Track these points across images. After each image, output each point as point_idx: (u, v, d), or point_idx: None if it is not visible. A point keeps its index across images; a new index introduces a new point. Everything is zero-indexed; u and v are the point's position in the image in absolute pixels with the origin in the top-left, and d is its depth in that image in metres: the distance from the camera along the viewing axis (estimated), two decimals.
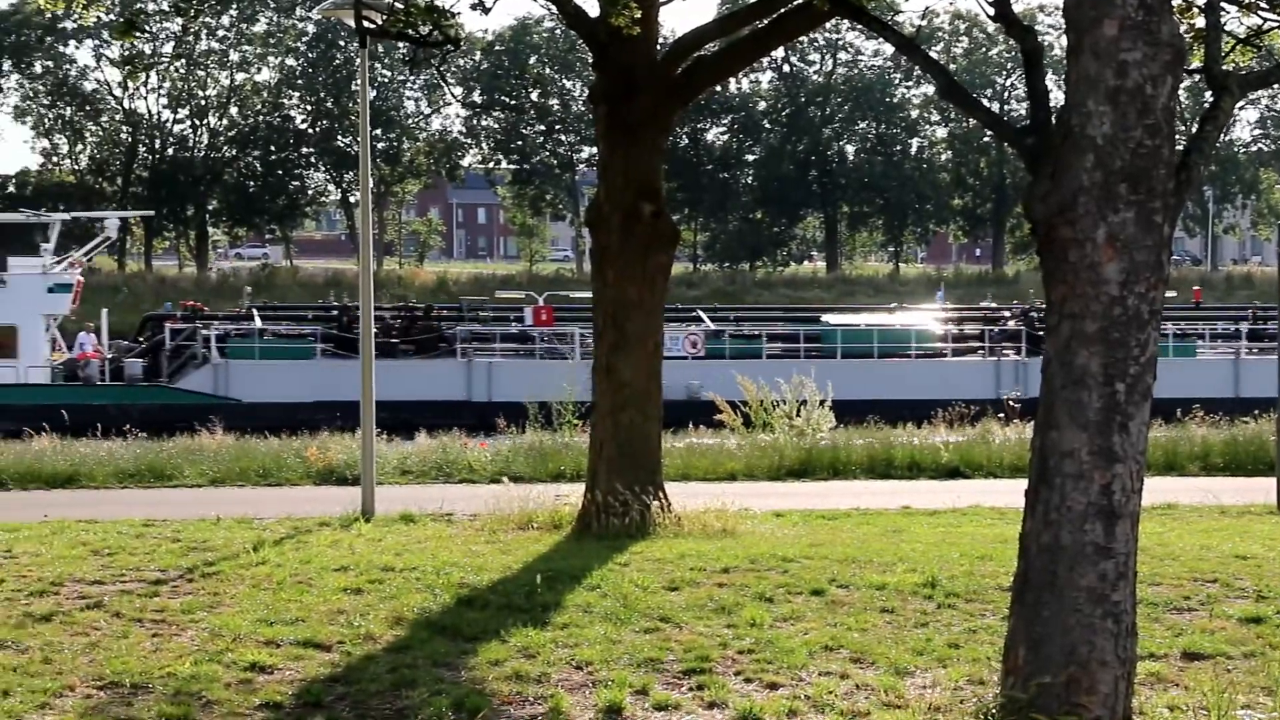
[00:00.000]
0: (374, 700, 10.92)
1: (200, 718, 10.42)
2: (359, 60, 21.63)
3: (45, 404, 41.14)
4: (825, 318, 55.88)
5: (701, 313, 55.28)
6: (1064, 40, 10.09)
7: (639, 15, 18.00)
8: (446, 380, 48.47)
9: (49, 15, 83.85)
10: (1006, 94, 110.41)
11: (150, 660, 11.73)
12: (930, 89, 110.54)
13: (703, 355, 48.91)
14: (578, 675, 11.60)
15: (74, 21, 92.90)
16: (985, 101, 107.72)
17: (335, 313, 52.90)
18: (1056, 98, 10.85)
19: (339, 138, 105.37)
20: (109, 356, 48.96)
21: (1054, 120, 10.23)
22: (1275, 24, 18.91)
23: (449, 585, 14.56)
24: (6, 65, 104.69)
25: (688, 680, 11.51)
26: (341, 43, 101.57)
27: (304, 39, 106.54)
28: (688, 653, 12.16)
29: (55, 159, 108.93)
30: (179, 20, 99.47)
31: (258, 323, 51.01)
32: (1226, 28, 17.19)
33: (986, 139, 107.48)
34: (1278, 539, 18.54)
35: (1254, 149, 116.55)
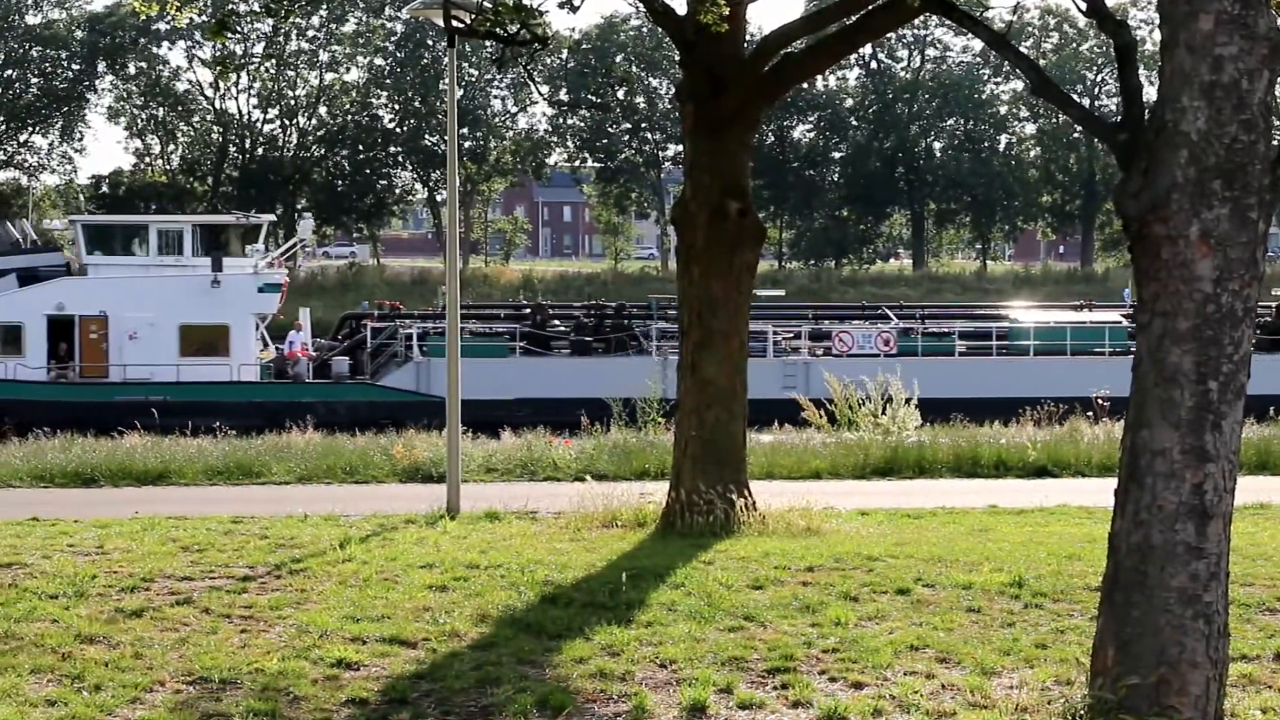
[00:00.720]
0: (458, 697, 10.96)
1: (287, 713, 10.50)
2: (447, 59, 21.70)
3: (257, 401, 41.96)
4: (1012, 315, 55.59)
5: (887, 310, 55.41)
6: (1157, 35, 9.95)
7: (727, 13, 17.94)
8: (640, 377, 49.01)
9: (143, 18, 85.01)
10: (1097, 90, 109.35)
11: (238, 656, 11.84)
12: (1019, 85, 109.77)
13: (895, 353, 48.86)
14: (662, 673, 11.60)
15: (167, 23, 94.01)
16: (1076, 98, 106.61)
17: (528, 311, 53.55)
18: (1149, 94, 10.71)
19: (426, 137, 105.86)
20: (314, 355, 49.88)
21: (1147, 116, 10.10)
22: None
23: (533, 583, 14.58)
24: (101, 67, 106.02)
25: (772, 679, 11.48)
26: (429, 42, 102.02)
27: (392, 38, 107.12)
28: (772, 651, 12.13)
29: (147, 159, 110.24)
30: (270, 21, 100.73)
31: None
32: None
33: (1076, 135, 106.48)
34: None
35: None
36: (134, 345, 47.39)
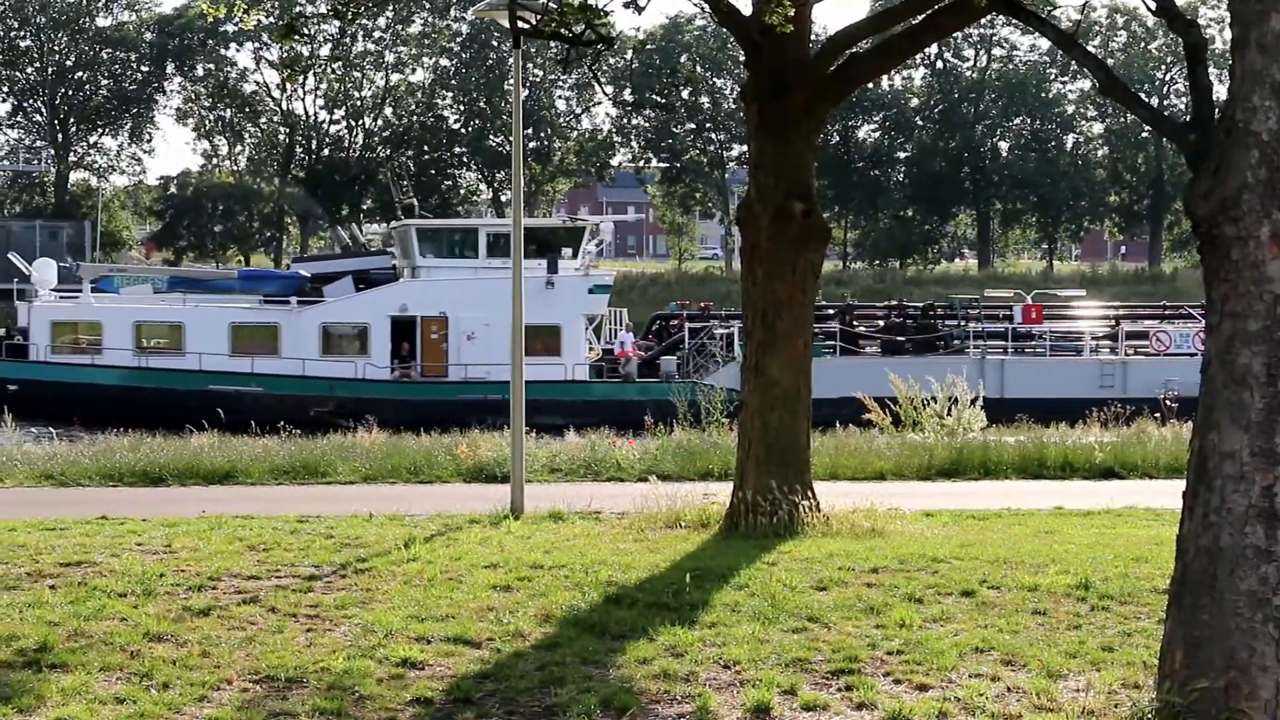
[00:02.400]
0: (523, 697, 10.98)
1: (353, 712, 10.54)
2: (512, 60, 21.74)
3: (592, 400, 42.75)
4: None
5: (1190, 309, 55.71)
6: (1228, 34, 9.86)
7: (792, 13, 17.86)
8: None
9: (211, 19, 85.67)
10: (1166, 89, 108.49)
11: (304, 655, 11.90)
12: (1086, 84, 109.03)
13: None
14: (725, 674, 11.58)
15: (235, 25, 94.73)
16: (1144, 97, 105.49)
17: (832, 312, 54.24)
18: (1220, 93, 10.62)
19: (490, 137, 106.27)
20: (643, 355, 51.25)
21: (1217, 116, 10.01)
22: None
23: (597, 583, 14.59)
24: (169, 69, 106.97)
25: (836, 681, 11.44)
26: (494, 43, 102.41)
27: (458, 39, 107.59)
28: (836, 653, 12.09)
29: (215, 160, 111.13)
30: (337, 23, 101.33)
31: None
32: None
33: (1145, 134, 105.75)
34: None
35: None
36: (471, 345, 49.30)
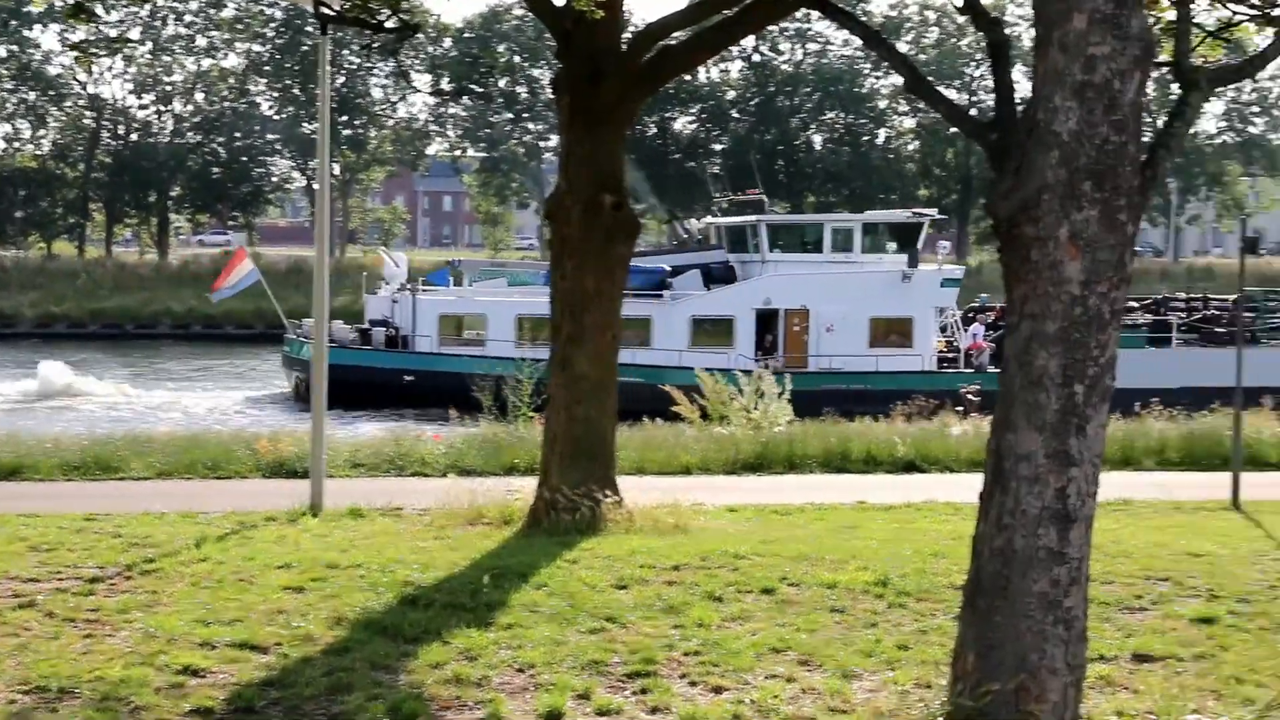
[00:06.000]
0: (309, 705, 10.62)
1: None
2: (320, 46, 21.26)
3: (944, 390, 43.38)
4: None
5: None
6: (1033, 33, 9.79)
7: (603, 0, 17.65)
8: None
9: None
10: (976, 85, 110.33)
11: (80, 663, 11.38)
12: (899, 79, 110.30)
13: None
14: (519, 678, 11.32)
15: (37, 5, 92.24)
16: (954, 94, 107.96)
17: (1149, 302, 55.39)
18: (1025, 91, 10.56)
19: (305, 124, 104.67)
20: (993, 345, 51.56)
21: (1019, 115, 9.95)
22: (1245, 17, 18.65)
23: (393, 583, 14.23)
24: None
25: (632, 684, 11.24)
26: (309, 29, 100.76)
27: (271, 24, 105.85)
28: (633, 654, 11.89)
29: (17, 144, 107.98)
30: (143, 4, 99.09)
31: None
32: (1195, 20, 16.90)
33: (953, 130, 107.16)
34: (1231, 536, 18.36)
35: (1219, 141, 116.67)
36: (829, 336, 50.86)
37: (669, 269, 54.23)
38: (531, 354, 49.93)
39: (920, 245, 53.69)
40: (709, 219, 60.82)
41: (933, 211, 57.77)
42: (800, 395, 33.99)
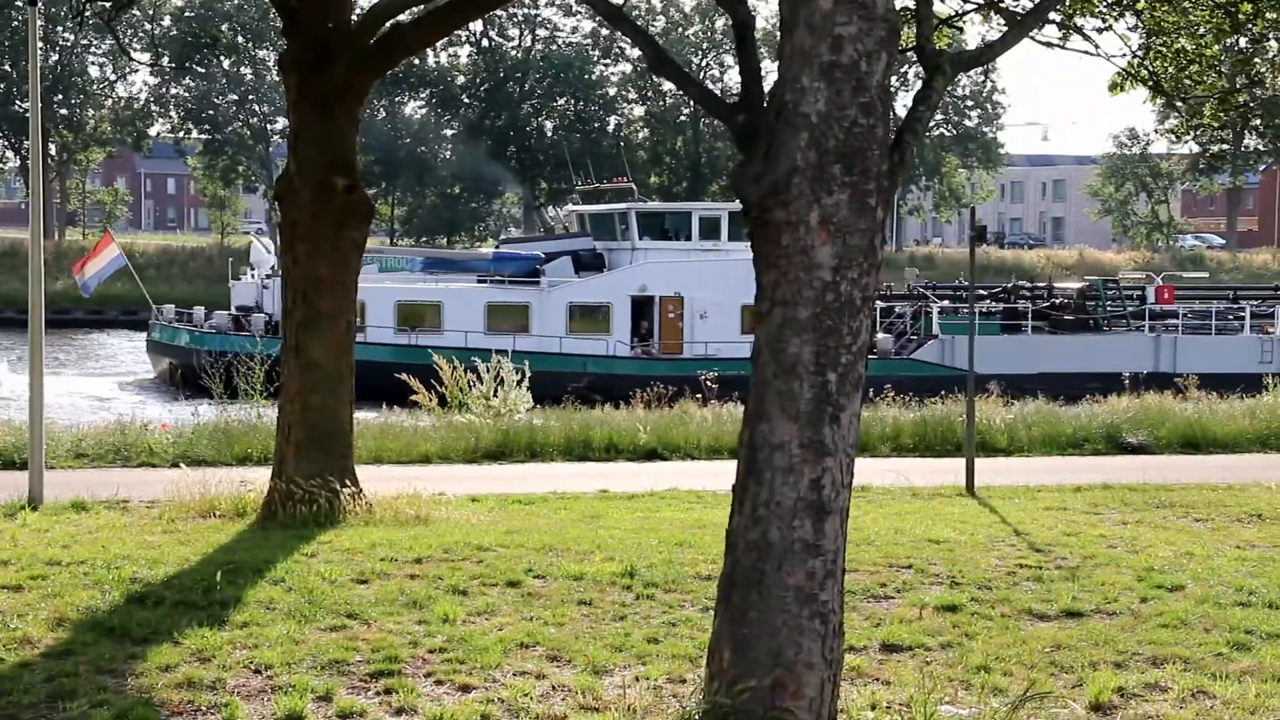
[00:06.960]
0: (27, 714, 9.98)
1: None
2: (29, 20, 20.28)
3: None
4: None
5: None
6: (776, 13, 9.63)
7: None
8: (1141, 352, 52.67)
9: None
10: (703, 75, 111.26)
11: None
12: (628, 68, 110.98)
13: None
14: (256, 680, 10.82)
15: None
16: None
17: (998, 292, 56.84)
18: (770, 74, 10.39)
19: (17, 103, 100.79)
20: None
21: (767, 97, 9.77)
22: (973, 7, 18.97)
23: (119, 581, 13.56)
24: None
25: (375, 684, 10.83)
26: (20, 3, 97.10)
27: None
28: (376, 653, 11.47)
29: None
30: None
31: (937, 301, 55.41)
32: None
33: (683, 118, 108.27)
34: (968, 522, 18.59)
35: (937, 134, 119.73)
36: (704, 323, 52.48)
37: (544, 256, 54.82)
38: (408, 340, 51.04)
39: None
40: (571, 207, 62.21)
41: None
42: (678, 380, 34.79)
